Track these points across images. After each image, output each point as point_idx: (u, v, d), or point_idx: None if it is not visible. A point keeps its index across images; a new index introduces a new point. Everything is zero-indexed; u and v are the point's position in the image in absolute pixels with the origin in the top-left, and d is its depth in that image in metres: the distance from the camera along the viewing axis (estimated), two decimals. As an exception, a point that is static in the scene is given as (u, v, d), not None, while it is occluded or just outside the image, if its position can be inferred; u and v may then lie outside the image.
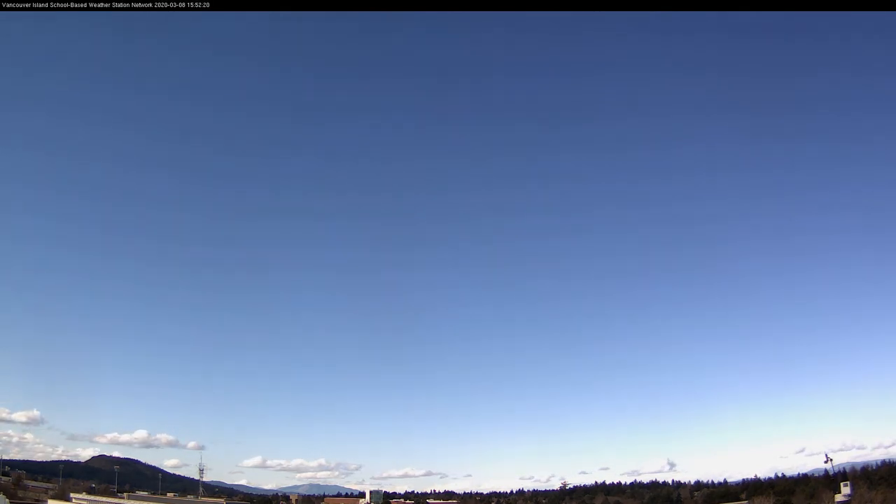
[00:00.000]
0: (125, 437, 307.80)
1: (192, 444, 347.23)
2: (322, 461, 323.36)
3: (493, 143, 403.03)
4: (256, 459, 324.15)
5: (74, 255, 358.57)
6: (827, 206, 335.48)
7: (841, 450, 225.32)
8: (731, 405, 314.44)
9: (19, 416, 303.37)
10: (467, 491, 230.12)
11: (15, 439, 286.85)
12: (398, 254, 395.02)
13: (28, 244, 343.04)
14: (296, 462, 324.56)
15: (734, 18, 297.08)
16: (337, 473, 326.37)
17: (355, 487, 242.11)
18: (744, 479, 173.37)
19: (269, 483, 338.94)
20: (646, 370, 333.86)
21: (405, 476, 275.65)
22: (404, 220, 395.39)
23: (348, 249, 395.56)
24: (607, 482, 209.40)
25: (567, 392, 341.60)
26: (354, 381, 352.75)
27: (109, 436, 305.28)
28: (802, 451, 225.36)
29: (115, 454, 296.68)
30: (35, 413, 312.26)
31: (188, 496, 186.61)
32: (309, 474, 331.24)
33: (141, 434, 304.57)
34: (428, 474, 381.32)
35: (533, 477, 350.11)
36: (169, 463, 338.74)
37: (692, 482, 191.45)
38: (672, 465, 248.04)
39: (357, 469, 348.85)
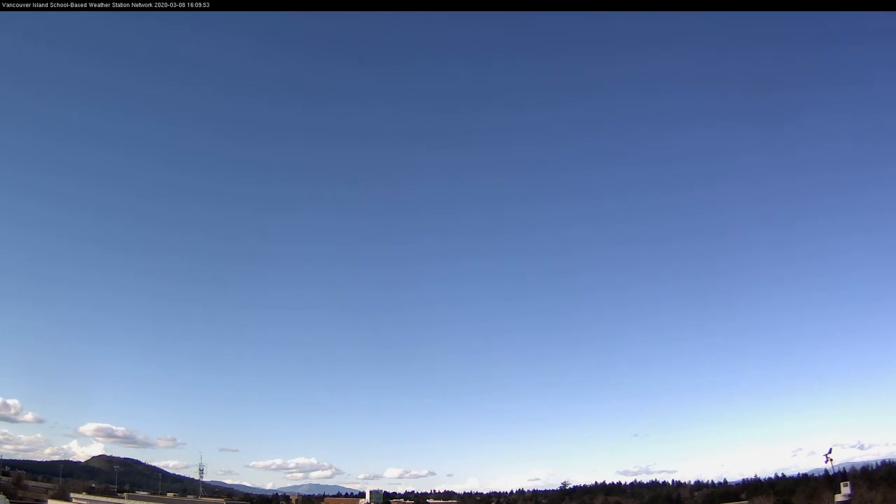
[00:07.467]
0: (125, 437, 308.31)
1: (191, 444, 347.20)
2: (322, 461, 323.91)
3: (493, 136, 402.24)
4: (257, 460, 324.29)
5: (72, 251, 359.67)
6: (827, 204, 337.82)
7: (841, 449, 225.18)
8: (731, 405, 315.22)
9: (18, 415, 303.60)
10: (467, 491, 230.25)
11: (11, 436, 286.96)
12: (398, 252, 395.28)
13: (27, 241, 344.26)
14: (296, 462, 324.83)
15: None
16: (337, 473, 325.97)
17: (355, 487, 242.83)
18: (744, 479, 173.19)
19: (269, 483, 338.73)
20: (646, 370, 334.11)
21: (405, 476, 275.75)
22: (403, 216, 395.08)
23: (349, 246, 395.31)
24: (607, 482, 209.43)
25: (567, 392, 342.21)
26: (355, 380, 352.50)
27: (109, 433, 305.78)
28: (802, 451, 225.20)
29: (116, 454, 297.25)
30: (34, 412, 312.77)
31: (188, 496, 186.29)
32: (309, 474, 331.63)
33: (141, 434, 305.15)
34: (428, 474, 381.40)
35: (533, 477, 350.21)
36: (169, 463, 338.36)
37: (692, 482, 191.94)
38: (672, 471, 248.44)
39: (357, 469, 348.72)
